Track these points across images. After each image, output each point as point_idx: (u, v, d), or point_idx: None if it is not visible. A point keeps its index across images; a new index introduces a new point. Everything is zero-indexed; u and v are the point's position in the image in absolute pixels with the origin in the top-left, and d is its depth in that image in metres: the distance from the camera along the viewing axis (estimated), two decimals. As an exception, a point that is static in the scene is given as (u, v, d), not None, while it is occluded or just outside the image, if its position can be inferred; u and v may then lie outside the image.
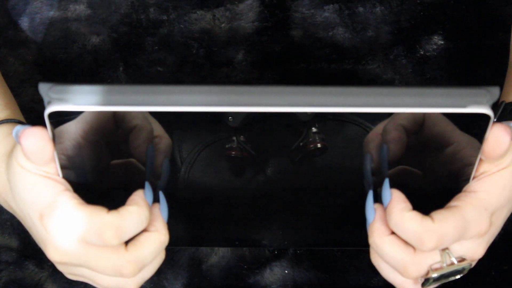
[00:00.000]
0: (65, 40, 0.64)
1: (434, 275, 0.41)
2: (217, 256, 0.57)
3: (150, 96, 0.35)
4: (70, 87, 0.35)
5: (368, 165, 0.42)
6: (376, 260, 0.43)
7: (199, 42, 0.64)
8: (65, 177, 0.40)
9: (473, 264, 0.42)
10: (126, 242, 0.40)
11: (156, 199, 0.42)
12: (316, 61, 0.64)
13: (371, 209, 0.42)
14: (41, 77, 0.63)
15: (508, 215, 0.43)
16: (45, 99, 0.36)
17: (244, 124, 0.40)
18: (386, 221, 0.40)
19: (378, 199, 0.42)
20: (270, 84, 0.35)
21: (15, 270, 0.57)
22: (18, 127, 0.38)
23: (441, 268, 0.41)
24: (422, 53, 0.64)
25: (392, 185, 0.41)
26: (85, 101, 0.35)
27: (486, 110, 0.36)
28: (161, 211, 0.41)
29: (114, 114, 0.39)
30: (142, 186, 0.41)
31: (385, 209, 0.41)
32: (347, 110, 0.36)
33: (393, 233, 0.40)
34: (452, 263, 0.41)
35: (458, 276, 0.42)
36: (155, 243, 0.40)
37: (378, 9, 0.66)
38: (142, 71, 0.63)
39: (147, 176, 0.42)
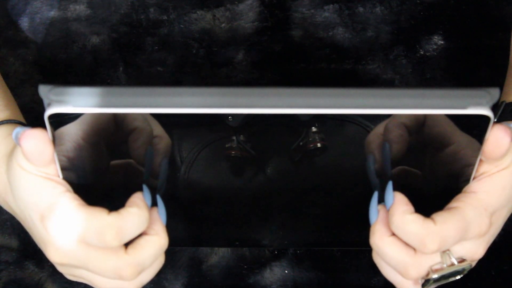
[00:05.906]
0: (65, 40, 0.64)
1: (434, 276, 0.41)
2: (217, 256, 0.57)
3: (150, 97, 0.35)
4: (70, 89, 0.35)
5: (372, 166, 0.42)
6: (377, 260, 0.43)
7: (199, 42, 0.64)
8: (66, 178, 0.40)
9: (473, 264, 0.42)
10: (126, 245, 0.40)
11: (154, 203, 0.42)
12: (316, 61, 0.64)
13: (375, 211, 0.42)
14: (41, 77, 0.63)
15: (508, 215, 0.43)
16: (45, 101, 0.36)
17: (244, 123, 0.40)
18: (388, 223, 0.40)
19: (382, 200, 0.42)
20: (269, 86, 0.35)
21: (15, 270, 0.57)
22: (18, 129, 0.38)
23: (441, 269, 0.41)
24: (422, 53, 0.64)
25: (393, 186, 0.41)
26: (85, 103, 0.35)
27: (486, 111, 0.36)
28: (160, 215, 0.42)
29: (115, 115, 0.39)
30: (141, 187, 0.41)
31: (387, 211, 0.41)
32: (347, 112, 0.35)
33: (394, 234, 0.40)
34: (452, 264, 0.41)
35: (458, 277, 0.42)
36: (154, 246, 0.40)
37: (378, 9, 0.66)
38: (142, 71, 0.63)
39: (146, 176, 0.42)
